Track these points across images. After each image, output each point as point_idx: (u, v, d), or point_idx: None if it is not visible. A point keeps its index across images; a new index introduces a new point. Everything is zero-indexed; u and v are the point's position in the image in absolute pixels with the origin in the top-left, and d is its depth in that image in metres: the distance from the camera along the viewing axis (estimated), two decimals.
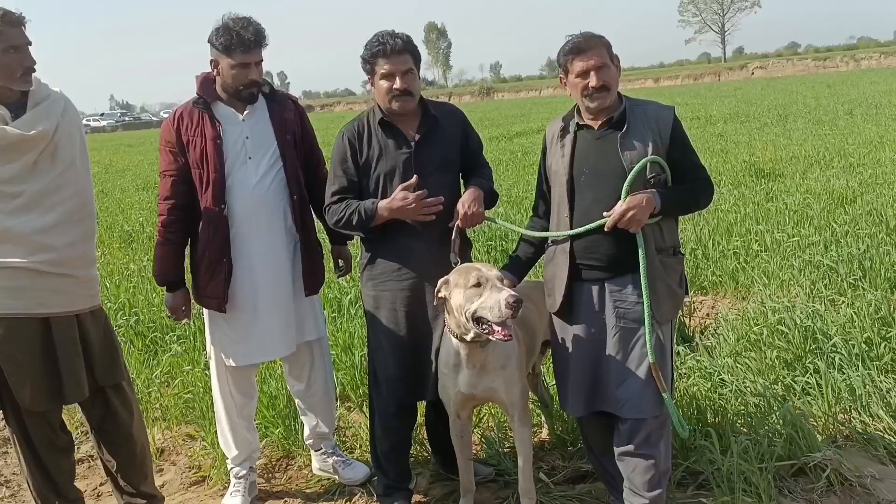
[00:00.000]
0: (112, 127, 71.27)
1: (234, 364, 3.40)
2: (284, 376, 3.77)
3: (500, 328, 2.73)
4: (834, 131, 15.53)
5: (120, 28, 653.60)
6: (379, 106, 3.15)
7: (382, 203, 3.04)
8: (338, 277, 3.75)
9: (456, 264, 3.02)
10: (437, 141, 3.15)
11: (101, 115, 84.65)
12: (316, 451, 3.74)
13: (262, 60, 3.25)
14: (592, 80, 2.76)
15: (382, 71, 3.05)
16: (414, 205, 2.99)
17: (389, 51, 3.03)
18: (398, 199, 3.01)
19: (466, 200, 3.05)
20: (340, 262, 3.67)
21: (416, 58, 3.12)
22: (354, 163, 3.15)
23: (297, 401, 3.73)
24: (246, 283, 3.31)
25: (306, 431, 3.75)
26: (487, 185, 3.19)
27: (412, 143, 3.11)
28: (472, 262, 3.14)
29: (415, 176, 3.03)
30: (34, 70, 2.84)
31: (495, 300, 2.71)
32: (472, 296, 2.78)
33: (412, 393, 3.23)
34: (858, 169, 10.27)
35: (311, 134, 3.54)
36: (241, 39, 3.13)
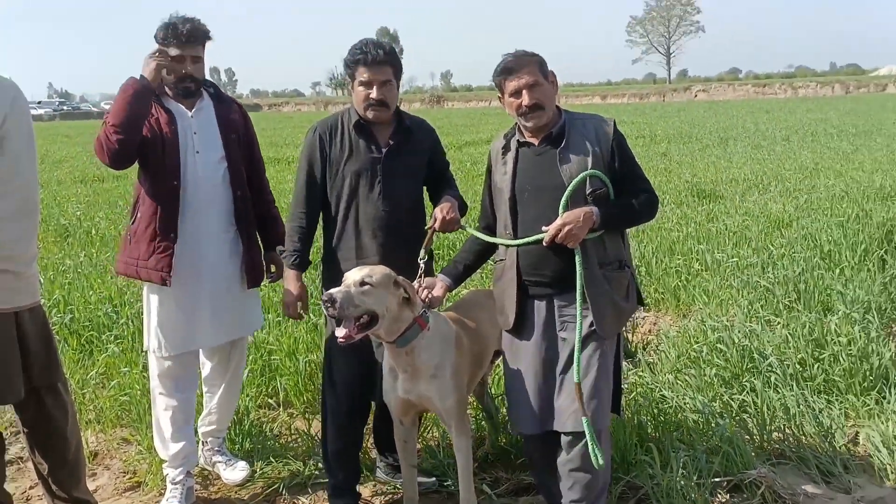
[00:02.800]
0: (49, 116, 68.98)
1: (173, 352, 3.39)
2: (201, 360, 3.71)
3: (337, 330, 2.77)
4: (772, 156, 16.06)
5: (61, 14, 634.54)
6: (356, 109, 3.23)
7: (287, 277, 3.30)
8: (269, 282, 3.77)
9: (422, 261, 3.11)
10: (408, 151, 3.26)
11: (39, 103, 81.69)
12: (204, 444, 3.77)
13: (200, 57, 3.37)
14: (525, 99, 2.81)
15: (361, 79, 3.14)
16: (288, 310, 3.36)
17: (370, 60, 3.10)
18: (287, 299, 3.31)
19: (445, 207, 3.16)
20: (272, 268, 3.69)
21: (397, 70, 3.20)
22: (322, 158, 3.25)
23: (205, 394, 3.75)
24: (193, 268, 3.35)
25: (202, 423, 3.75)
26: (459, 196, 3.33)
27: (383, 150, 3.20)
28: (433, 269, 3.22)
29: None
30: None
31: None
32: None
33: (366, 393, 3.29)
34: (795, 194, 10.63)
35: (254, 140, 3.65)
36: (175, 33, 3.27)
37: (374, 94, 3.11)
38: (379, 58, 3.10)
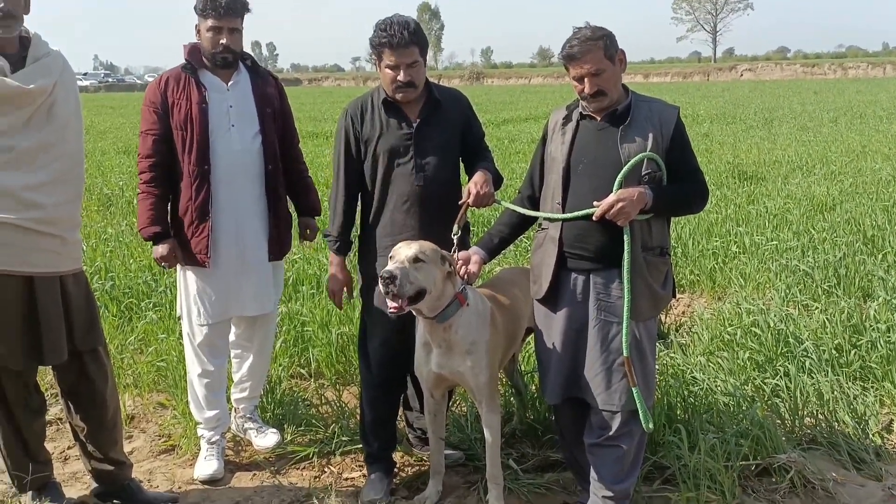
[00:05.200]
0: (94, 87, 70.28)
1: (210, 321, 3.47)
2: (233, 335, 3.75)
3: (389, 301, 2.79)
4: (818, 138, 15.69)
5: None
6: (384, 88, 3.23)
7: (332, 263, 3.36)
8: (301, 242, 3.93)
9: (455, 236, 3.10)
10: (439, 124, 3.24)
11: (84, 74, 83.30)
12: (236, 411, 3.84)
13: (238, 29, 3.39)
14: (586, 87, 2.79)
15: (388, 62, 3.11)
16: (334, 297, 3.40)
17: (396, 43, 3.06)
18: (332, 285, 3.38)
19: (479, 181, 3.14)
20: (307, 231, 3.81)
21: (423, 48, 3.16)
22: (355, 138, 3.26)
23: (234, 360, 3.81)
24: (228, 241, 3.43)
25: (235, 390, 3.83)
26: (494, 169, 3.31)
27: (413, 125, 3.19)
28: (468, 242, 3.24)
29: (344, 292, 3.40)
30: (15, 16, 2.76)
31: None
32: None
33: (400, 366, 3.33)
34: (839, 177, 10.39)
35: (289, 112, 3.69)
36: (214, 4, 3.30)
37: (401, 76, 3.09)
38: (405, 40, 3.05)
